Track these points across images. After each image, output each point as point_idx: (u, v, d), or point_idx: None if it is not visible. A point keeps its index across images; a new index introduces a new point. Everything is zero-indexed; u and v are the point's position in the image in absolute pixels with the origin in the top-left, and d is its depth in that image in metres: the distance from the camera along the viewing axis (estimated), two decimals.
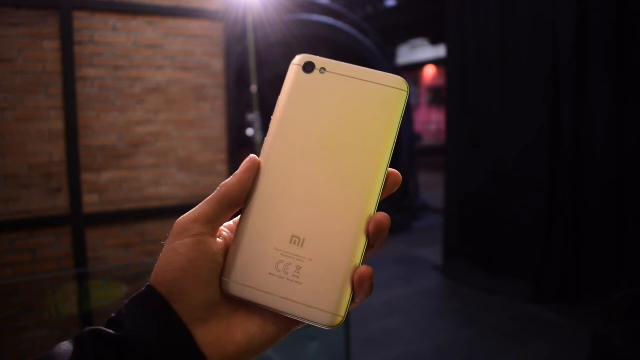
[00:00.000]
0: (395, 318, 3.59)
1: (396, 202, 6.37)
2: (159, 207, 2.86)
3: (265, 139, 0.37)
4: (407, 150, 6.47)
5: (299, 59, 0.38)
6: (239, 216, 0.36)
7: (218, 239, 0.35)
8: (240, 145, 3.07)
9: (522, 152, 3.96)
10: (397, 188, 0.37)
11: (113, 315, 0.33)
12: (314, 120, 0.36)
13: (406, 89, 0.36)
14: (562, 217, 3.73)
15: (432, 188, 8.16)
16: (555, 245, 3.77)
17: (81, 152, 2.67)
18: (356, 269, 0.33)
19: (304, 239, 0.34)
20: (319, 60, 0.38)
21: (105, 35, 2.72)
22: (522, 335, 3.28)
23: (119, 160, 2.78)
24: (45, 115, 2.59)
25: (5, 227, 2.52)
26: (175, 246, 0.33)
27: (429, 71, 17.34)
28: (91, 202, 2.71)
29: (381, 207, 0.35)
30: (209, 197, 0.35)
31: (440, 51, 14.01)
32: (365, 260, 0.35)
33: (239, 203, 0.35)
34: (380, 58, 6.36)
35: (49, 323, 2.44)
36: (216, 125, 3.03)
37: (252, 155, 0.36)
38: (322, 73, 0.37)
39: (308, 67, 0.38)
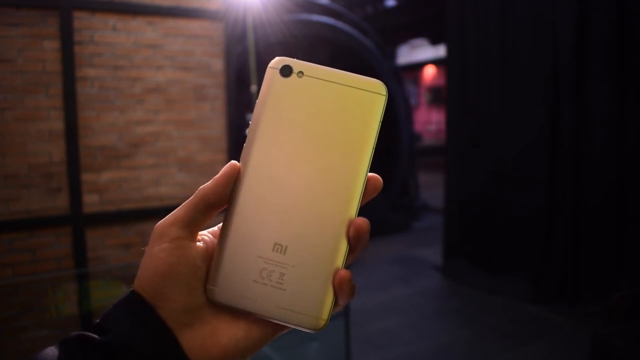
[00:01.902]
0: (395, 318, 3.59)
1: (396, 202, 6.37)
2: (159, 207, 2.86)
3: (244, 144, 0.37)
4: (407, 150, 6.46)
5: (275, 62, 0.38)
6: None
7: (198, 243, 0.35)
8: (241, 146, 3.07)
9: (522, 152, 3.96)
10: (378, 192, 0.37)
11: (97, 320, 0.33)
12: (292, 125, 0.36)
13: (384, 93, 0.36)
14: (562, 217, 3.73)
15: (432, 188, 8.16)
16: (555, 245, 3.77)
17: (81, 152, 2.67)
18: (337, 272, 0.34)
19: (286, 246, 0.35)
20: (296, 64, 0.37)
21: (105, 35, 2.72)
22: (522, 335, 3.28)
23: (119, 160, 2.78)
24: (45, 115, 2.59)
25: (5, 227, 2.52)
26: (155, 251, 0.34)
27: (429, 71, 17.34)
28: (91, 202, 2.71)
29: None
30: (187, 200, 0.35)
31: (440, 51, 14.01)
32: (348, 263, 0.35)
33: (215, 206, 0.35)
34: (380, 58, 6.36)
35: (49, 323, 2.44)
36: (216, 125, 3.03)
37: (232, 161, 0.36)
38: (299, 77, 0.37)
39: (285, 71, 0.37)
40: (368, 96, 0.36)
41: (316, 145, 0.36)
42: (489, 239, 4.25)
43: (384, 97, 0.36)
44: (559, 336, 3.23)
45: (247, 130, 0.37)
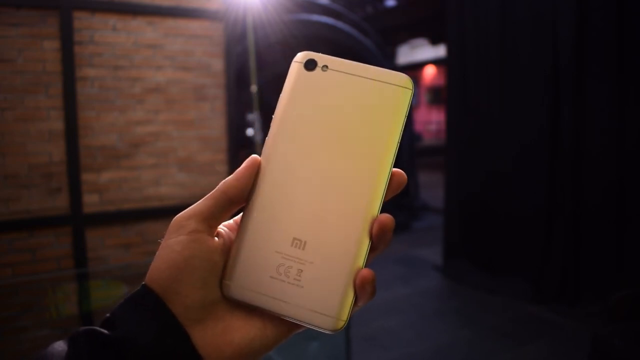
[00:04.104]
0: (395, 318, 3.58)
1: (396, 202, 6.37)
2: (159, 207, 2.86)
3: (266, 138, 0.36)
4: (407, 150, 6.47)
5: (300, 56, 0.37)
6: (240, 215, 0.36)
7: (216, 238, 0.34)
8: (241, 145, 3.07)
9: (522, 152, 3.96)
10: (402, 188, 0.36)
11: (107, 315, 0.32)
12: (316, 119, 0.35)
13: (411, 87, 0.36)
14: (562, 217, 3.73)
15: (432, 188, 8.15)
16: (555, 245, 3.77)
17: (81, 152, 2.67)
18: (359, 271, 0.33)
19: (305, 242, 0.33)
20: (321, 58, 0.37)
21: (105, 35, 2.72)
22: (522, 335, 3.28)
23: (119, 160, 2.78)
24: (45, 115, 2.59)
25: (5, 227, 2.52)
26: (170, 243, 0.33)
27: (429, 71, 17.34)
28: (91, 202, 2.71)
29: (384, 207, 0.34)
30: (208, 194, 0.34)
31: (440, 51, 14.01)
32: (369, 262, 0.34)
33: (237, 201, 0.34)
34: (380, 58, 6.36)
35: (49, 323, 2.44)
36: (216, 125, 3.03)
37: (254, 155, 0.35)
38: (324, 71, 0.36)
39: (310, 65, 0.37)
40: (394, 90, 0.35)
41: (339, 139, 0.35)
42: (489, 239, 4.25)
43: (410, 91, 0.36)
44: (559, 336, 3.23)
45: (271, 123, 0.36)
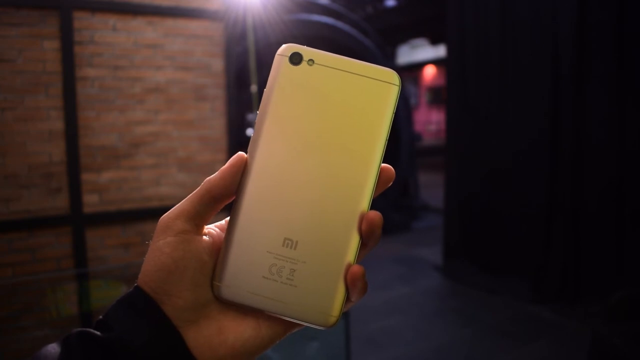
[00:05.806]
0: (395, 318, 3.58)
1: (396, 202, 6.37)
2: (159, 207, 2.86)
3: (252, 135, 0.35)
4: (407, 150, 6.46)
5: (284, 49, 0.36)
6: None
7: (204, 237, 0.34)
8: (241, 145, 3.08)
9: (522, 152, 3.96)
10: (391, 183, 0.36)
11: (100, 317, 0.32)
12: (302, 115, 0.35)
13: (397, 83, 0.35)
14: (562, 217, 3.73)
15: (432, 188, 8.15)
16: (555, 245, 3.77)
17: (81, 152, 2.67)
18: (349, 268, 0.33)
19: (296, 241, 0.33)
20: (306, 51, 0.36)
21: (105, 35, 2.72)
22: (522, 335, 3.28)
23: (119, 160, 2.78)
24: (45, 115, 2.59)
25: (5, 227, 2.52)
26: (159, 245, 0.32)
27: (429, 71, 17.33)
28: (91, 202, 2.71)
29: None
30: (193, 192, 0.34)
31: (440, 51, 14.01)
32: (361, 259, 0.34)
33: (221, 199, 0.34)
34: (380, 58, 6.36)
35: (49, 323, 2.44)
36: (216, 125, 3.03)
37: (240, 152, 0.35)
38: (310, 65, 0.35)
39: (295, 59, 0.35)
40: (381, 86, 0.35)
41: (326, 136, 0.34)
42: (489, 239, 4.25)
43: (397, 87, 0.35)
44: (559, 336, 3.23)
45: (255, 120, 0.36)
